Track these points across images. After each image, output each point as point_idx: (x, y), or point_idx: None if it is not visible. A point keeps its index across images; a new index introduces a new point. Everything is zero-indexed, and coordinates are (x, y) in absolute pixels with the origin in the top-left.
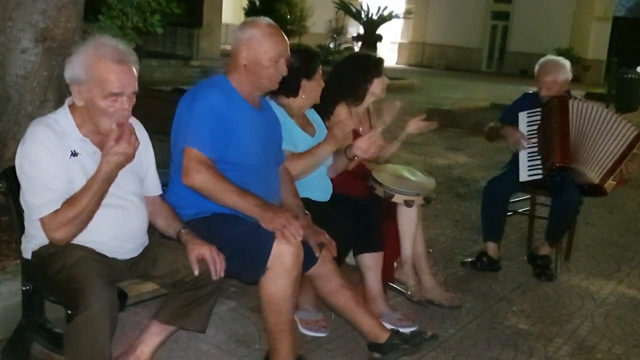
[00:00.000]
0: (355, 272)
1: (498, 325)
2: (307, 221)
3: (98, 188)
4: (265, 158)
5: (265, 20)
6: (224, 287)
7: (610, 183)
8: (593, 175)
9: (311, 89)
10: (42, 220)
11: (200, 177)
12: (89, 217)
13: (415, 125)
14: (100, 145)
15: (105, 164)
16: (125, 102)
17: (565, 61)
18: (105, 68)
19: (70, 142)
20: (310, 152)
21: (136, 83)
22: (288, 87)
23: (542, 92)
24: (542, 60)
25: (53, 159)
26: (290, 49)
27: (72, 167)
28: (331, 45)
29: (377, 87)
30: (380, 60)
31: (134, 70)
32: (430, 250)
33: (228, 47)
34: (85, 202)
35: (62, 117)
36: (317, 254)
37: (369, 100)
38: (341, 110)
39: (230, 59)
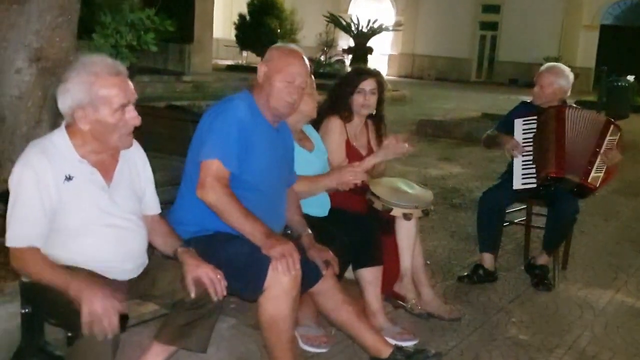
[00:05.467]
0: (355, 286)
1: (498, 336)
2: (310, 239)
3: (60, 281)
4: (277, 178)
5: (292, 45)
6: (224, 304)
7: (594, 176)
8: (575, 177)
9: (302, 103)
10: (10, 247)
11: (213, 195)
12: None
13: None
14: (99, 165)
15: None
16: (132, 110)
17: (570, 73)
18: (106, 83)
19: (65, 166)
20: (312, 180)
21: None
22: None
23: (535, 90)
24: (548, 63)
25: (38, 189)
26: None
27: (65, 191)
28: (322, 58)
29: (356, 102)
30: (362, 73)
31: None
32: (428, 263)
33: (220, 62)
34: (48, 277)
35: (59, 139)
36: (323, 272)
37: (357, 116)
38: (335, 123)
39: (259, 75)
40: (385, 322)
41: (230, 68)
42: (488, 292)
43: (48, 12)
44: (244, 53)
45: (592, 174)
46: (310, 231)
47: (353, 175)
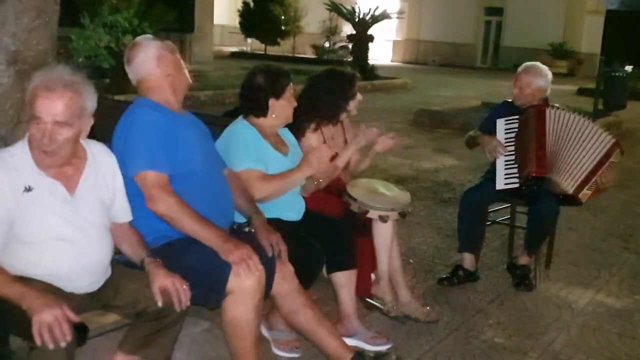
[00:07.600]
0: (330, 286)
1: (474, 339)
2: (260, 220)
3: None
4: (209, 162)
5: (148, 35)
6: (198, 307)
7: (585, 193)
8: (568, 185)
9: (281, 108)
10: None
11: (163, 206)
12: None
13: (383, 145)
14: (61, 177)
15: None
16: (43, 129)
17: (549, 72)
18: (35, 94)
19: (24, 177)
20: (283, 176)
21: (64, 113)
22: (257, 107)
23: (514, 93)
24: (525, 63)
25: None
26: (257, 69)
27: (25, 202)
28: (326, 45)
29: (352, 107)
30: (354, 80)
31: (68, 99)
32: (411, 261)
33: (225, 49)
34: (2, 291)
35: (20, 150)
36: (268, 253)
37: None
38: (311, 134)
39: (144, 84)
40: (359, 325)
41: (234, 55)
42: (468, 293)
43: (24, 15)
44: (249, 40)
45: (584, 190)
46: (260, 211)
47: (318, 156)
